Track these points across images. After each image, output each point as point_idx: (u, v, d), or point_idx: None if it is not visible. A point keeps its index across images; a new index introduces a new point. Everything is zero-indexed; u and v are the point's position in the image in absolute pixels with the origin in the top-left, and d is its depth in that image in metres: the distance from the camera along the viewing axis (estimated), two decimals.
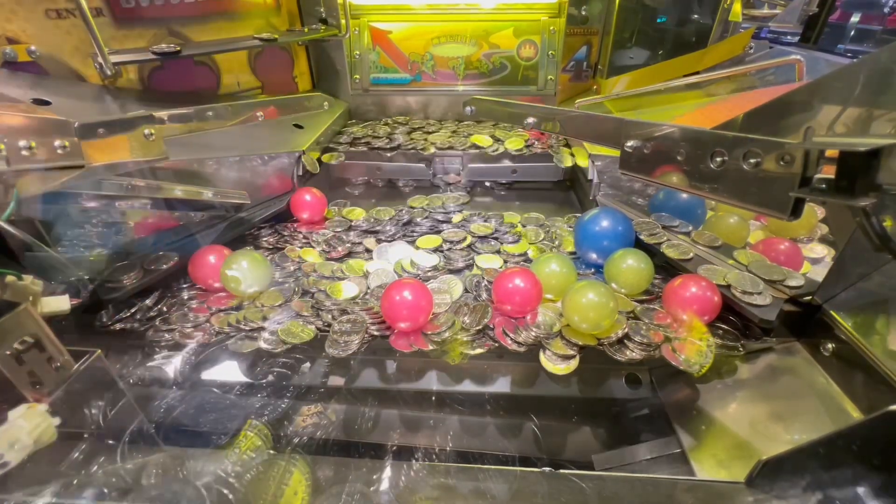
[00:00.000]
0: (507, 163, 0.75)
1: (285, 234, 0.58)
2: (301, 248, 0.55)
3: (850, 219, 0.26)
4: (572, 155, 0.71)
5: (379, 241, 0.56)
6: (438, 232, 0.58)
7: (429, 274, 0.50)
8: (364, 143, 0.75)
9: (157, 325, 0.43)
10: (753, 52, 0.82)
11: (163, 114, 0.46)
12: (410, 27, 0.80)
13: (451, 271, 0.51)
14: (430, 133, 0.79)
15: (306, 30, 0.77)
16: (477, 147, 0.74)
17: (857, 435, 0.24)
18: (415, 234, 0.57)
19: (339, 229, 0.59)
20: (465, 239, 0.56)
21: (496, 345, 0.41)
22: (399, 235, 0.57)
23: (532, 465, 0.32)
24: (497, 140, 0.75)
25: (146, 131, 0.43)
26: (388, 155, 0.74)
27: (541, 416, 0.40)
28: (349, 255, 0.54)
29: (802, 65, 0.57)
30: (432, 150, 0.74)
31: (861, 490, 0.24)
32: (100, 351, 0.32)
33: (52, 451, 0.28)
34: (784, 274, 0.43)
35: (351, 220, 0.61)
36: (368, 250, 0.55)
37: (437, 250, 0.54)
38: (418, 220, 0.61)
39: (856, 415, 0.35)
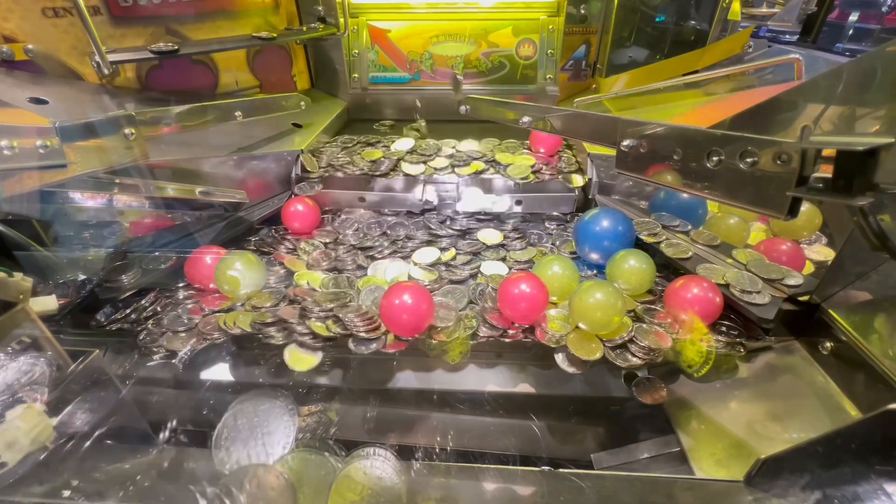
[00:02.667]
0: (508, 195, 0.62)
1: (269, 240, 0.57)
2: (287, 253, 0.54)
3: (849, 218, 0.26)
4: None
5: (373, 258, 0.53)
6: (435, 243, 0.55)
7: (429, 287, 0.48)
8: (343, 169, 0.63)
9: (152, 325, 0.43)
10: (752, 50, 0.82)
11: (142, 114, 0.47)
12: (409, 26, 0.80)
13: (454, 282, 0.49)
14: (426, 158, 0.66)
15: (305, 28, 0.77)
16: (476, 173, 0.63)
17: (855, 433, 0.24)
18: (407, 248, 0.55)
19: (327, 241, 0.56)
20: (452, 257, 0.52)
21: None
22: (392, 252, 0.54)
23: (532, 464, 0.32)
24: (497, 164, 0.64)
25: (126, 131, 0.43)
26: (371, 182, 0.63)
27: (540, 415, 0.40)
28: (336, 270, 0.52)
29: (801, 64, 0.57)
30: (420, 175, 0.63)
31: (860, 489, 0.24)
32: (98, 351, 0.32)
33: (49, 451, 0.28)
34: (782, 273, 0.43)
35: (339, 233, 0.58)
36: (362, 267, 0.52)
37: (435, 265, 0.52)
38: (414, 232, 0.57)
39: (854, 413, 0.35)
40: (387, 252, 0.54)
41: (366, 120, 0.85)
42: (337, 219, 0.62)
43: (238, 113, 0.59)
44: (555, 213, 0.63)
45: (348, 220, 0.62)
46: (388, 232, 0.58)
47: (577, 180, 0.61)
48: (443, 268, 0.52)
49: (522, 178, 0.61)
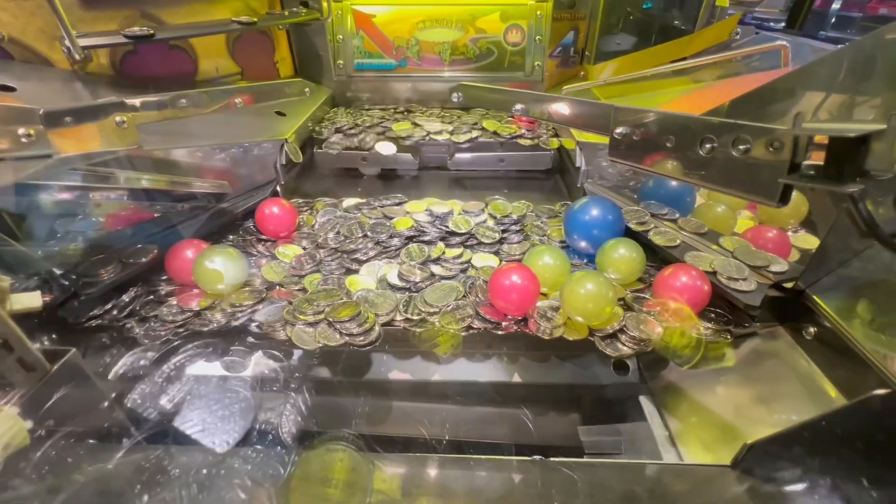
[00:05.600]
0: (494, 152, 0.72)
1: (250, 238, 0.53)
2: (266, 260, 0.50)
3: (832, 205, 0.26)
4: (561, 144, 0.71)
5: (357, 260, 0.50)
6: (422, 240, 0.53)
7: (420, 285, 0.46)
8: (346, 132, 0.71)
9: (133, 321, 0.42)
10: (740, 37, 0.82)
11: (135, 100, 0.44)
12: (395, 11, 0.78)
13: (445, 279, 0.47)
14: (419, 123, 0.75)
15: (287, 13, 0.75)
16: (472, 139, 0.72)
17: (841, 419, 0.25)
18: (392, 248, 0.52)
19: (305, 243, 0.53)
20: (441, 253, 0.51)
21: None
22: (377, 253, 0.51)
23: (522, 453, 0.32)
24: (484, 130, 0.73)
25: (118, 118, 0.41)
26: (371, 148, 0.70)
27: (529, 404, 0.40)
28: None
29: (788, 50, 0.57)
30: (416, 133, 0.71)
31: (845, 473, 0.25)
32: (75, 350, 0.31)
33: (24, 456, 0.27)
34: (768, 260, 0.43)
35: (319, 237, 0.54)
36: (352, 271, 0.49)
37: (426, 262, 0.49)
38: (400, 230, 0.55)
39: (835, 396, 0.36)
40: (371, 254, 0.51)
41: (351, 108, 0.83)
42: (316, 222, 0.58)
43: (238, 100, 0.56)
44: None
45: (329, 221, 0.57)
46: (369, 234, 0.54)
47: (554, 142, 0.72)
48: (432, 264, 0.50)
49: (509, 135, 0.72)
